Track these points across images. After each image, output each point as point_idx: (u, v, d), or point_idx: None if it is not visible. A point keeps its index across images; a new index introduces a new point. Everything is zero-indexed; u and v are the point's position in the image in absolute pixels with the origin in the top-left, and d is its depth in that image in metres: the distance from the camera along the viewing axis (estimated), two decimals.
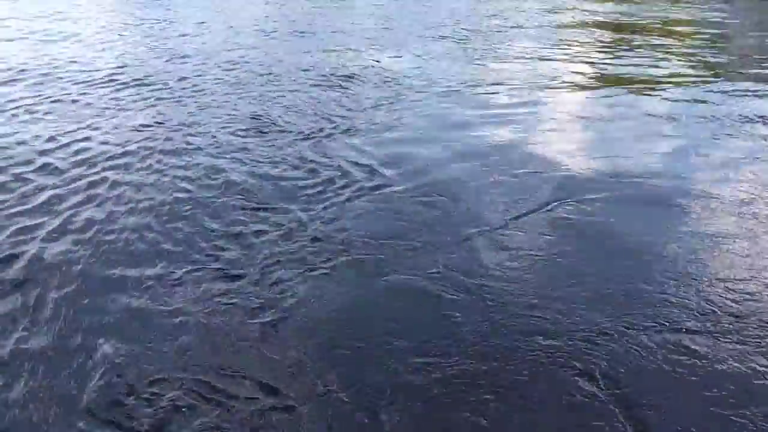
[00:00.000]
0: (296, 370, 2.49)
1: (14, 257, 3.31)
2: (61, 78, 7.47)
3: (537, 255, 3.38)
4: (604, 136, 5.68)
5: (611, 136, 5.67)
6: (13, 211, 3.90)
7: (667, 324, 2.77)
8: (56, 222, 3.75)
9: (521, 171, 4.65)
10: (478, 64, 8.92)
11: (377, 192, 4.31)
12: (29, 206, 3.93)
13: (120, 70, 8.00)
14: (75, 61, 8.42)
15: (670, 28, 13.26)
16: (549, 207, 4.01)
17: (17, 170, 4.56)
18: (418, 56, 9.41)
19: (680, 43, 11.08)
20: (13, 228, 3.64)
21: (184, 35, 11.14)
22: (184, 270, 3.22)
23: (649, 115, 6.41)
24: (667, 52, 9.95)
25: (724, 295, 3.00)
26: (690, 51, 10.07)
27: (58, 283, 3.06)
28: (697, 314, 2.84)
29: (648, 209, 4.04)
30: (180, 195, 4.21)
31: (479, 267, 3.24)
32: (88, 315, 2.81)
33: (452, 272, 3.19)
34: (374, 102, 6.75)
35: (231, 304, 2.91)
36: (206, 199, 4.16)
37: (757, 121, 6.11)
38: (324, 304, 2.93)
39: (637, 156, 5.06)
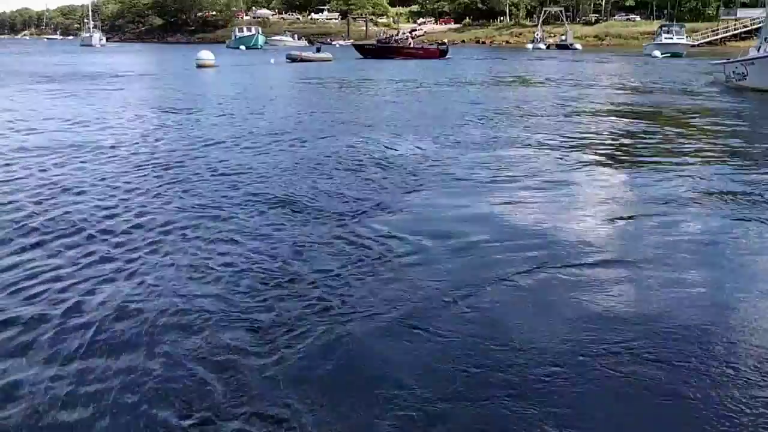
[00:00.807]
0: None
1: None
2: (102, 159, 8.16)
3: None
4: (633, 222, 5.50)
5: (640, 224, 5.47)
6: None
7: None
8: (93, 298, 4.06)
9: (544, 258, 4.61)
10: (500, 149, 9.33)
11: (414, 266, 4.59)
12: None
13: (153, 155, 8.63)
14: (115, 146, 9.27)
15: (688, 116, 13.60)
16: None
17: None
18: (438, 142, 9.92)
19: (699, 130, 11.41)
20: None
21: (214, 125, 12.07)
22: (219, 345, 3.45)
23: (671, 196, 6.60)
24: (687, 137, 10.26)
25: None
26: (710, 137, 10.33)
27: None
28: None
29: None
30: (217, 273, 4.46)
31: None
32: None
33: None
34: (403, 185, 7.14)
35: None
36: (243, 275, 4.42)
37: None
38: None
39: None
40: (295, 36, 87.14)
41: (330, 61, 38.49)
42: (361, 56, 41.83)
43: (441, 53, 43.43)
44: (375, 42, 46.84)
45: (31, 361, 3.25)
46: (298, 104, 16.15)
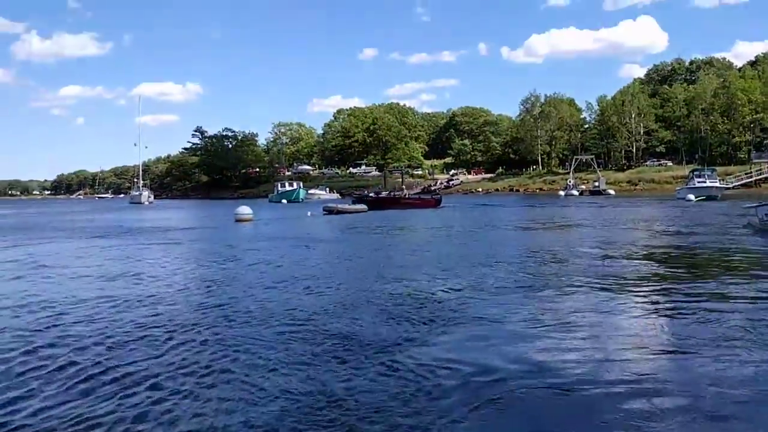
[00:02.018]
0: None
1: None
2: (127, 317, 8.07)
3: None
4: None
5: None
6: None
7: None
8: None
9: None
10: (532, 292, 9.25)
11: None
12: None
13: (186, 306, 8.52)
14: (141, 302, 9.27)
15: (722, 259, 13.32)
16: None
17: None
18: (470, 286, 9.94)
19: (732, 272, 11.08)
20: None
21: (249, 272, 12.46)
22: None
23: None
24: (718, 280, 9.94)
25: None
26: (742, 279, 10.00)
27: None
28: None
29: None
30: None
31: None
32: None
33: None
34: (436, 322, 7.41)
35: None
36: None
37: None
38: None
39: None
40: (327, 189, 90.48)
41: (365, 212, 39.46)
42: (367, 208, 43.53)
43: (436, 202, 46.41)
44: (375, 194, 49.69)
45: None
46: (330, 251, 16.48)
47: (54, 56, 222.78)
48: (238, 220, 31.31)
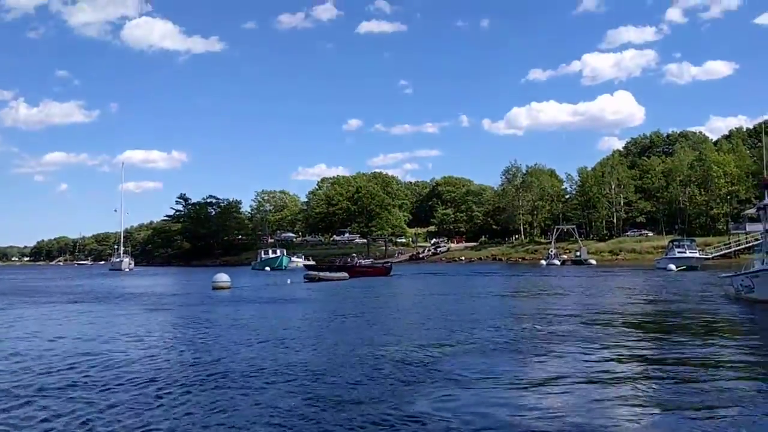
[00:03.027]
0: None
1: None
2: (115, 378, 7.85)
3: None
4: None
5: None
6: None
7: None
8: None
9: None
10: (511, 352, 9.18)
11: None
12: None
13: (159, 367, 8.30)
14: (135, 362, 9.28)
15: (698, 327, 13.29)
16: None
17: None
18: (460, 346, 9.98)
19: (707, 342, 10.99)
20: None
21: (222, 337, 12.23)
22: None
23: None
24: (694, 347, 9.85)
25: None
26: (716, 348, 9.89)
27: None
28: None
29: None
30: None
31: None
32: None
33: None
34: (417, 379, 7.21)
35: None
36: None
37: None
38: None
39: None
40: (303, 257, 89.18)
41: (346, 279, 39.25)
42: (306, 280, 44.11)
43: (386, 271, 48.62)
44: (329, 263, 52.19)
45: None
46: (309, 316, 16.38)
47: (40, 123, 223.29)
48: (215, 288, 30.90)
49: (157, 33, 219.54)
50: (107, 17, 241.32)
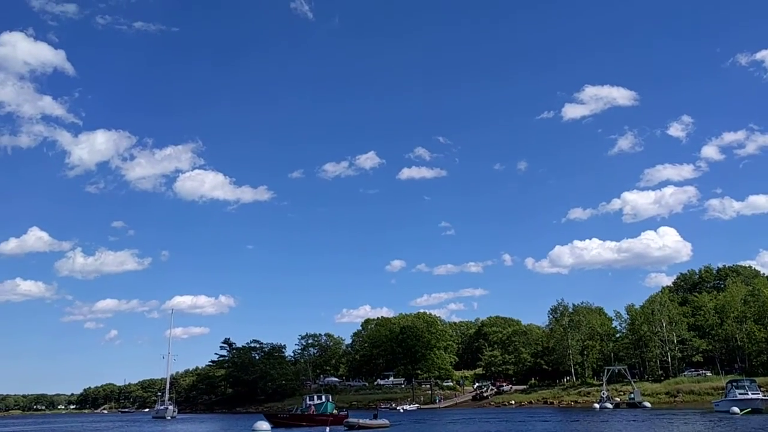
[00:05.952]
0: None
1: None
2: None
3: None
4: None
5: None
6: None
7: None
8: None
9: None
10: None
11: None
12: None
13: None
14: None
15: None
16: None
17: None
18: None
19: None
20: None
21: None
22: None
23: None
24: None
25: None
26: None
27: None
28: None
29: None
30: None
31: None
32: None
33: None
34: None
35: None
36: None
37: None
38: None
39: None
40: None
41: (387, 427, 38.03)
42: (272, 425, 42.45)
43: (343, 419, 45.66)
44: (287, 414, 52.64)
45: None
46: None
47: (95, 272, 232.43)
48: None
49: (208, 184, 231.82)
50: (163, 171, 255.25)
